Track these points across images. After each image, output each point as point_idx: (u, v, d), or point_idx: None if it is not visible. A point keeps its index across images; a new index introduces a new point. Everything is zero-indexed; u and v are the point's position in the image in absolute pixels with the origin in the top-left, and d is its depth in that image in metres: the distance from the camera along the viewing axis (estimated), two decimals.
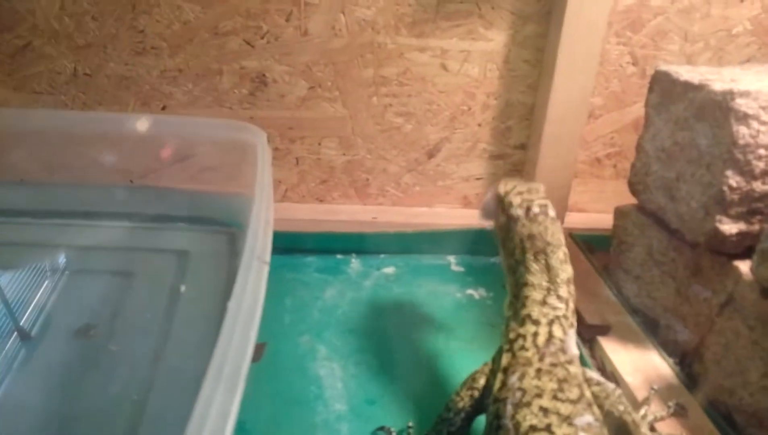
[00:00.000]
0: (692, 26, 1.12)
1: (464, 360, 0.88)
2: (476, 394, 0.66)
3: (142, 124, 1.04)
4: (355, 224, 1.16)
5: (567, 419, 0.56)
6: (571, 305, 0.68)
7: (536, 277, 0.68)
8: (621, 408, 0.65)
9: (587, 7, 1.04)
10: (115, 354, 0.77)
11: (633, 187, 0.98)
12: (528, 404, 0.58)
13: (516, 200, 0.74)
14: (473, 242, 1.15)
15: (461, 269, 1.12)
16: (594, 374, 0.67)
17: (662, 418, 0.75)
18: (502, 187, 0.77)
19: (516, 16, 1.09)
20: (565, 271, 0.69)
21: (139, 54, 1.07)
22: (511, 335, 0.66)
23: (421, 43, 1.10)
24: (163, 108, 1.11)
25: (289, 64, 1.10)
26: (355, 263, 1.11)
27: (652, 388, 0.79)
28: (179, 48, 1.07)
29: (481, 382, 0.67)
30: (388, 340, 0.92)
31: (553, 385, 0.59)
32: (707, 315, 0.83)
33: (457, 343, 0.93)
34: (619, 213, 1.01)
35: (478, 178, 1.22)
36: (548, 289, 0.67)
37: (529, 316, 0.66)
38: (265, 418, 0.76)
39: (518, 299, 0.69)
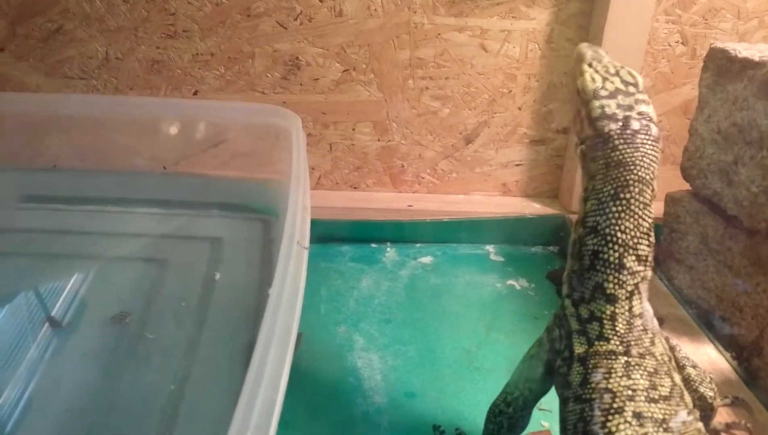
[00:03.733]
0: (745, 3, 1.06)
1: (507, 352, 0.85)
2: (535, 385, 0.59)
3: (174, 109, 1.02)
4: (391, 212, 1.12)
5: (663, 423, 0.50)
6: (651, 260, 0.54)
7: (609, 223, 0.53)
8: (711, 394, 0.59)
9: None
10: (150, 341, 0.75)
11: (686, 172, 0.93)
12: (620, 410, 0.50)
13: (610, 107, 0.53)
14: (513, 231, 1.12)
15: (501, 259, 1.09)
16: (682, 351, 0.60)
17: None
18: (588, 76, 0.55)
19: None
20: (649, 217, 0.53)
21: (170, 37, 1.05)
22: (583, 313, 0.55)
23: (459, 23, 1.06)
24: (195, 93, 1.09)
25: (322, 47, 1.07)
26: (390, 252, 1.08)
27: (727, 397, 0.73)
28: (211, 30, 1.05)
29: (540, 370, 0.58)
30: (427, 332, 0.89)
31: (645, 383, 0.51)
32: (767, 306, 0.78)
33: (499, 335, 0.89)
34: (671, 200, 0.96)
35: (517, 165, 1.18)
36: (626, 246, 0.53)
37: (601, 288, 0.54)
38: (304, 410, 0.74)
39: (582, 253, 0.55)
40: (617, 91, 0.54)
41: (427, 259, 1.07)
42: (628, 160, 0.52)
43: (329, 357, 0.83)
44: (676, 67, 1.11)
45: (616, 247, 0.53)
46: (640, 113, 0.54)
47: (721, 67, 0.86)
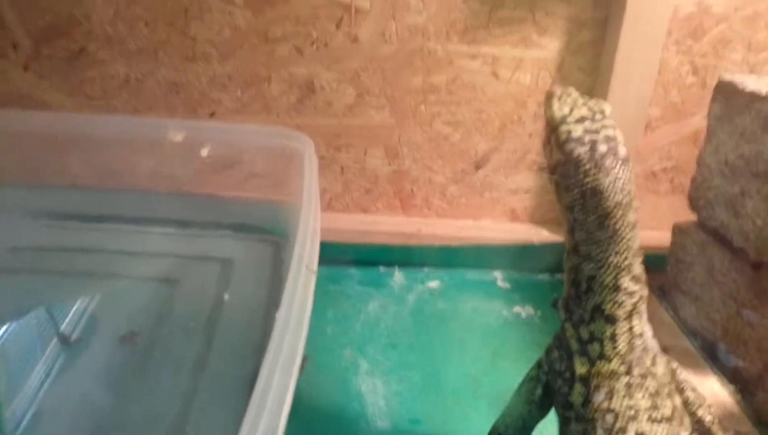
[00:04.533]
0: (756, 34, 1.07)
1: (512, 380, 0.83)
2: (534, 408, 0.60)
3: (190, 130, 1.04)
4: (399, 236, 1.13)
5: None
6: (646, 278, 0.55)
7: (603, 249, 0.54)
8: (710, 418, 0.59)
9: (646, 13, 1.00)
10: (158, 360, 0.76)
11: (693, 203, 0.93)
12: (623, 430, 0.51)
13: (576, 131, 0.55)
14: (520, 257, 1.12)
15: (507, 285, 1.09)
16: (682, 373, 0.60)
17: None
18: (557, 106, 0.57)
19: (571, 22, 1.06)
20: (637, 238, 0.55)
21: (189, 60, 1.08)
22: (583, 334, 0.56)
23: (472, 51, 1.07)
24: (212, 114, 1.12)
25: (337, 71, 1.09)
26: (398, 276, 1.09)
27: (729, 431, 0.73)
28: (229, 54, 1.07)
29: (539, 392, 0.59)
30: (432, 357, 0.90)
31: (647, 403, 0.52)
32: None
33: (504, 362, 0.90)
34: (678, 230, 0.97)
35: (526, 191, 1.19)
36: (620, 268, 0.54)
37: (600, 309, 0.54)
38: (307, 433, 0.74)
39: (579, 279, 0.56)
40: (584, 118, 0.56)
41: (434, 284, 1.08)
42: (602, 187, 0.53)
43: (334, 381, 0.84)
44: (686, 97, 1.11)
45: (611, 270, 0.54)
46: (606, 137, 0.55)
47: (729, 99, 0.87)
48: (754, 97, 0.82)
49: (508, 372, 0.87)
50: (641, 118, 1.08)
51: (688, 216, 0.95)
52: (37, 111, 1.07)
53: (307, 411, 0.77)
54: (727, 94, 0.88)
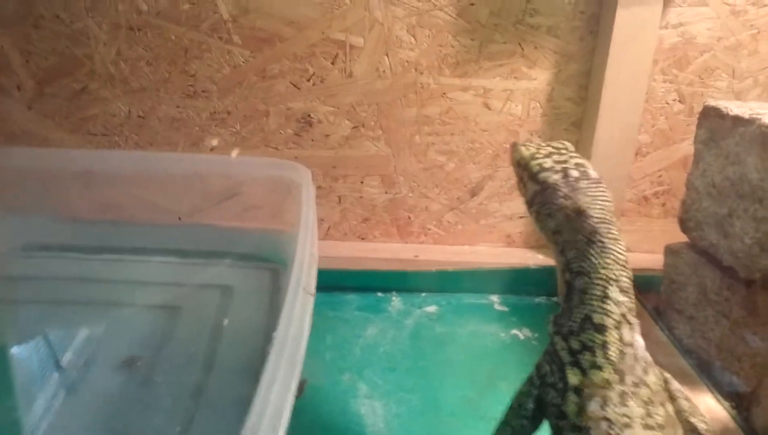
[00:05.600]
0: (740, 63, 1.11)
1: (509, 401, 0.85)
2: (526, 422, 0.60)
3: (190, 163, 1.07)
4: (397, 262, 1.15)
5: None
6: (632, 292, 0.58)
7: (593, 263, 0.57)
8: (704, 426, 0.60)
9: (632, 45, 1.04)
10: (158, 385, 0.77)
11: (683, 225, 0.95)
12: None
13: (547, 163, 0.61)
14: (517, 281, 1.14)
15: (505, 309, 1.10)
16: (675, 383, 0.60)
17: None
18: (523, 149, 0.64)
19: (559, 54, 1.09)
20: (623, 250, 0.58)
21: (189, 97, 1.11)
22: (573, 345, 0.57)
23: (463, 83, 1.11)
24: (212, 149, 1.14)
25: (333, 105, 1.12)
26: (396, 301, 1.11)
27: None
28: (228, 91, 1.11)
29: (530, 406, 0.60)
30: (431, 380, 0.91)
31: (641, 410, 0.53)
32: (765, 356, 0.79)
33: (502, 383, 0.90)
34: (670, 251, 0.98)
35: (521, 217, 1.21)
36: (608, 279, 0.57)
37: (589, 319, 0.57)
38: None
39: (571, 294, 0.59)
40: (551, 153, 0.63)
41: (432, 309, 1.09)
42: (583, 206, 0.58)
43: (333, 404, 0.84)
44: (674, 124, 1.14)
45: (600, 282, 0.57)
46: (576, 163, 0.61)
47: (714, 124, 0.90)
48: (737, 121, 0.85)
49: (506, 393, 0.86)
50: (631, 144, 1.11)
51: (681, 238, 0.97)
52: (38, 148, 1.10)
53: (307, 432, 0.78)
54: (712, 118, 0.90)
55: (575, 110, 1.13)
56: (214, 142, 1.02)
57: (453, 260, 1.16)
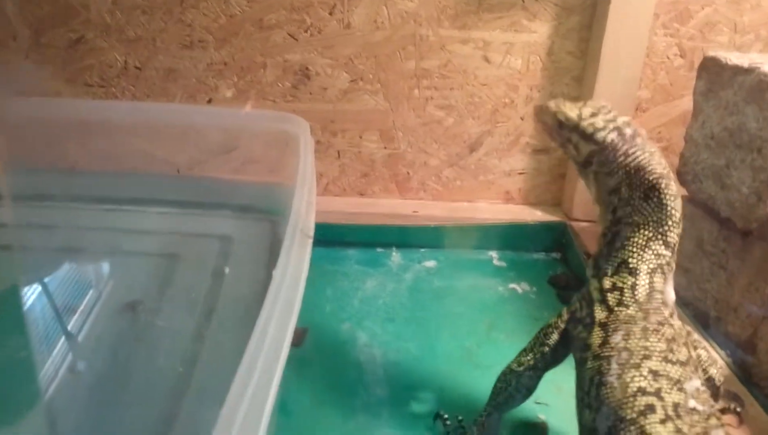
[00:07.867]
0: (742, 17, 1.10)
1: (507, 351, 0.85)
2: (547, 350, 0.63)
3: (188, 115, 1.06)
4: (396, 218, 1.15)
5: (677, 383, 0.52)
6: (675, 246, 0.60)
7: (645, 217, 0.58)
8: (721, 378, 0.62)
9: None
10: (160, 328, 0.78)
11: (682, 178, 0.95)
12: (637, 366, 0.53)
13: (598, 123, 0.61)
14: (515, 237, 1.14)
15: (503, 264, 1.11)
16: (695, 335, 0.62)
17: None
18: (565, 109, 0.63)
19: (560, 7, 1.08)
20: (677, 207, 0.59)
21: (186, 47, 1.10)
22: (605, 284, 0.59)
23: (463, 35, 1.10)
24: (209, 101, 1.13)
25: (331, 57, 1.11)
26: (395, 256, 1.11)
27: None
28: (225, 41, 1.09)
29: (554, 337, 0.62)
30: (429, 330, 0.91)
31: (662, 346, 0.55)
32: (760, 305, 0.80)
33: (499, 334, 0.91)
34: None
35: (520, 173, 1.21)
36: (655, 232, 0.58)
37: (625, 263, 0.59)
38: (307, 400, 0.76)
39: (615, 240, 0.60)
40: (594, 113, 0.62)
41: (431, 263, 1.09)
42: (644, 162, 0.59)
43: (333, 351, 0.85)
44: (674, 79, 1.14)
45: (646, 234, 0.58)
46: (624, 122, 0.61)
47: (714, 75, 0.89)
48: (737, 71, 0.85)
49: (503, 343, 0.89)
50: (631, 99, 1.10)
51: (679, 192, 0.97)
52: (36, 98, 1.09)
53: (307, 379, 0.79)
54: (711, 69, 0.90)
55: (576, 64, 1.12)
56: (229, 94, 1.01)
57: (452, 216, 1.16)
